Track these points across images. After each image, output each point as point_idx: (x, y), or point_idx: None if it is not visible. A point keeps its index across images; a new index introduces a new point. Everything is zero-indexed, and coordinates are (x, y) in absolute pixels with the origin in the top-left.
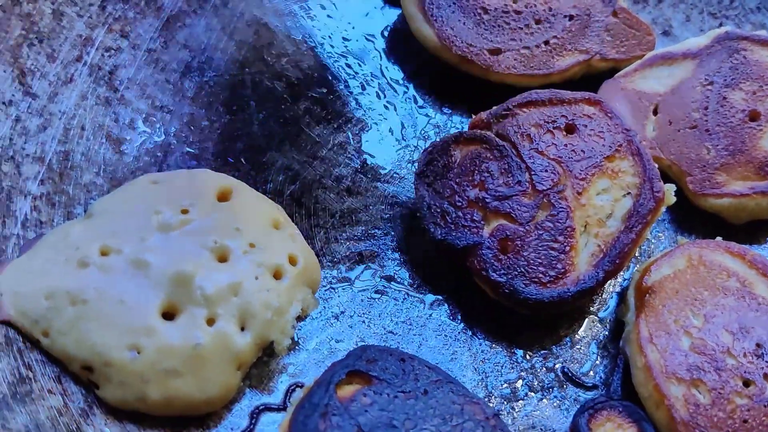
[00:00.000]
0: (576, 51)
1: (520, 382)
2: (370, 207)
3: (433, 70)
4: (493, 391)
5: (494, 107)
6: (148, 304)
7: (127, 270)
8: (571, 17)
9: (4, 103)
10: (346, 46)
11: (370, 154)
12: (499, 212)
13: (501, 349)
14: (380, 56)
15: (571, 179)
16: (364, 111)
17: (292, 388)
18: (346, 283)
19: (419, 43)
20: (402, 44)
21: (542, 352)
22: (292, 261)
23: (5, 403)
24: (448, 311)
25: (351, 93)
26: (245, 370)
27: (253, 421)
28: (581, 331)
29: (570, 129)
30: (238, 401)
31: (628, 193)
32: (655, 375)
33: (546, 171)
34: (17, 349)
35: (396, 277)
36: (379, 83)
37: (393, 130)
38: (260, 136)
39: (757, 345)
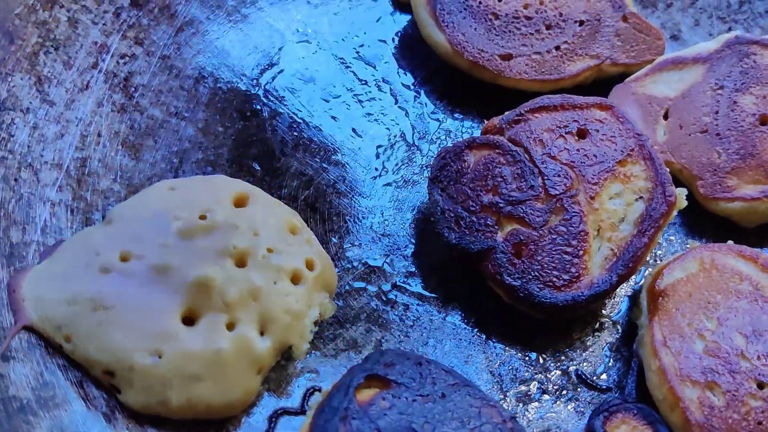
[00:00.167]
0: (587, 56)
1: (535, 384)
2: (384, 212)
3: (444, 76)
4: (507, 393)
5: (506, 112)
6: (169, 309)
7: (147, 275)
8: (581, 22)
9: (22, 110)
10: (357, 52)
11: (382, 159)
12: (513, 217)
13: (515, 353)
14: (392, 62)
15: (584, 184)
16: (376, 116)
17: (310, 391)
18: (362, 288)
19: (430, 48)
20: (413, 50)
21: (556, 354)
22: (310, 266)
23: (29, 408)
24: (462, 315)
25: (363, 98)
26: (265, 374)
27: (271, 425)
28: (594, 335)
29: (582, 134)
30: (257, 405)
31: (641, 198)
32: (670, 378)
33: (559, 176)
34: (40, 354)
35: (410, 281)
36: (390, 88)
37: (405, 134)
38: (274, 142)
39: None
